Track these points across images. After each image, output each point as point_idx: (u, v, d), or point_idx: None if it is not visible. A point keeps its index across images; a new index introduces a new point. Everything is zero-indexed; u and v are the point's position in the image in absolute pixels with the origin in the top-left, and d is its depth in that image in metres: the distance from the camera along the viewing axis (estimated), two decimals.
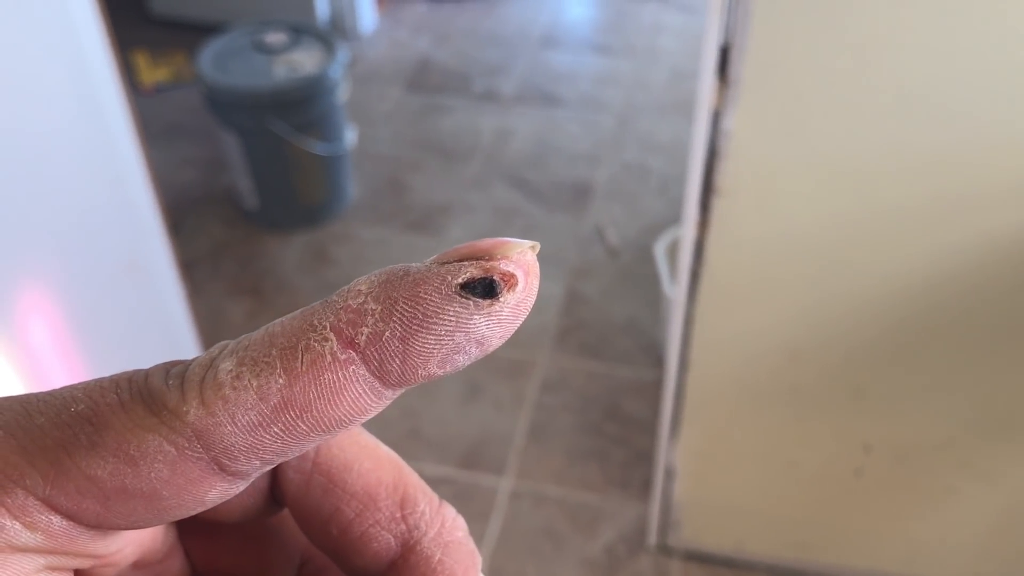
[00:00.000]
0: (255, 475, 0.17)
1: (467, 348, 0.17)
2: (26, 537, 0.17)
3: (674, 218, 1.90)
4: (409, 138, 2.33)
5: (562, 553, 1.45)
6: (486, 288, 0.17)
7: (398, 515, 0.20)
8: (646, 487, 1.50)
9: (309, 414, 0.16)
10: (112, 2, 1.32)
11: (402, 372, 0.17)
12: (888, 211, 0.91)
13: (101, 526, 0.17)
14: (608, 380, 1.71)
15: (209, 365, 0.17)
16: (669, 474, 1.27)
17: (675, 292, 1.10)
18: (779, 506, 1.28)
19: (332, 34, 1.96)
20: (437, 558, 0.20)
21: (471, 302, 0.17)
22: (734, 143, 0.89)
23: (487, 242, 0.17)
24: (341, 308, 0.17)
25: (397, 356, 0.16)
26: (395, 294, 0.16)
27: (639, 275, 1.91)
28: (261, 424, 0.16)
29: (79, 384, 0.18)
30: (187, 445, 0.16)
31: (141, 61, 2.53)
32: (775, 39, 0.81)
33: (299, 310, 0.17)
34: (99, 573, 0.20)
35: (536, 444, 1.60)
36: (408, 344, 0.16)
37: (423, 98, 2.48)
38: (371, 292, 0.17)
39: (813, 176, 0.90)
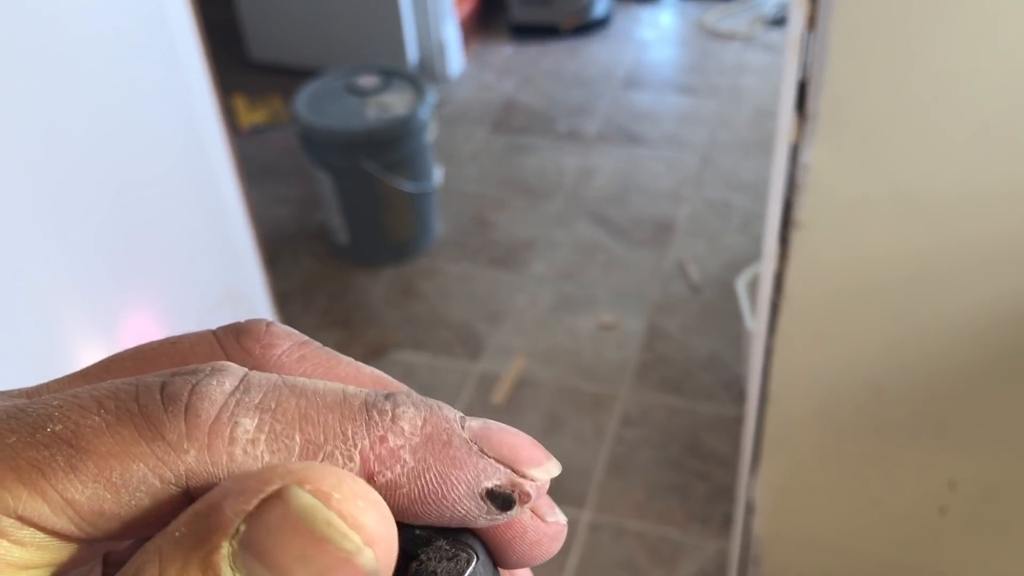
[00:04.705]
0: None
1: (452, 521, 0.17)
2: (18, 552, 0.16)
3: (756, 254, 1.89)
4: (494, 177, 2.38)
5: None
6: (505, 501, 0.17)
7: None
8: (727, 522, 1.50)
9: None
10: (215, 48, 1.40)
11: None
12: (968, 244, 0.91)
13: (80, 540, 0.17)
14: (689, 415, 1.71)
15: (223, 404, 0.16)
16: (749, 509, 1.27)
17: (755, 325, 1.11)
18: (862, 544, 1.26)
19: (421, 77, 2.03)
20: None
21: (486, 507, 0.17)
22: (812, 176, 0.90)
23: (525, 452, 0.18)
24: (378, 438, 0.17)
25: (396, 505, 0.17)
26: (431, 460, 0.17)
27: (721, 311, 1.91)
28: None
29: (54, 397, 0.17)
30: (174, 481, 0.16)
31: (240, 104, 2.65)
32: (852, 73, 0.83)
33: (339, 392, 0.17)
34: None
35: (616, 478, 1.61)
36: (413, 505, 0.17)
37: (508, 138, 2.54)
38: (411, 440, 0.17)
39: (892, 209, 0.91)
